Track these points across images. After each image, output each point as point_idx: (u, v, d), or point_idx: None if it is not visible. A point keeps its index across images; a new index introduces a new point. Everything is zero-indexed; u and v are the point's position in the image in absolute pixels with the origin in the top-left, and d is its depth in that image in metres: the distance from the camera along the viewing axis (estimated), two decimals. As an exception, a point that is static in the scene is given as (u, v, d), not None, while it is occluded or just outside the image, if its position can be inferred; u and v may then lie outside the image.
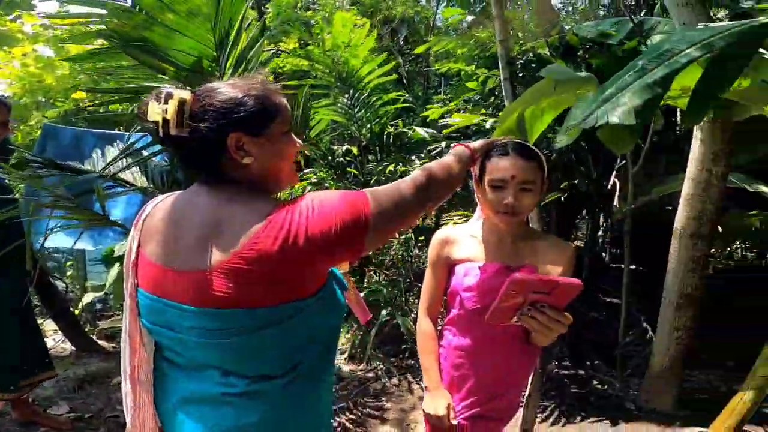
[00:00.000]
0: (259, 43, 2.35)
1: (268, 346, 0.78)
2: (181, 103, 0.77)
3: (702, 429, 2.40)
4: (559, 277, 0.94)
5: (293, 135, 0.88)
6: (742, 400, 2.25)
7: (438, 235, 1.33)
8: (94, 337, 3.36)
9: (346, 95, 3.34)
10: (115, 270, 3.00)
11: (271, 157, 0.83)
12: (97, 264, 3.44)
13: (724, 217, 3.07)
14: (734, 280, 4.35)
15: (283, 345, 0.79)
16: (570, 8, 7.10)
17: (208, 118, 0.77)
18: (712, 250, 4.15)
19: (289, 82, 3.74)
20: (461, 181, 1.06)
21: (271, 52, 2.58)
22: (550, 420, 2.59)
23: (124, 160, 2.20)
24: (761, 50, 2.27)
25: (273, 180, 0.85)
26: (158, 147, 2.09)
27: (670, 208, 2.50)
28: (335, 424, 2.47)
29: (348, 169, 3.44)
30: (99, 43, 2.00)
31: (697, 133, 2.37)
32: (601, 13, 4.71)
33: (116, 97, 2.35)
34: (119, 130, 3.59)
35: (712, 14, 2.95)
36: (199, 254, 0.75)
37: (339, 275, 0.91)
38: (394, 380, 2.96)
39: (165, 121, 0.76)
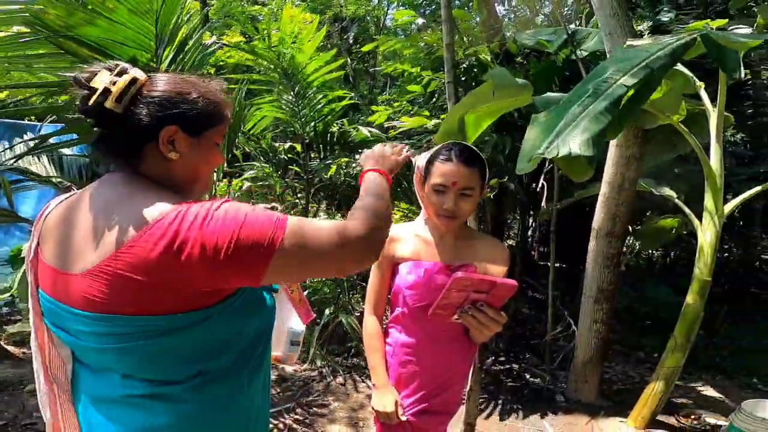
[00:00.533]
0: (198, 34, 2.25)
1: (163, 354, 0.73)
2: (133, 80, 0.74)
3: (622, 419, 2.58)
4: (497, 277, 0.98)
5: (220, 150, 0.86)
6: (653, 391, 2.46)
7: None
8: (2, 343, 3.07)
9: (291, 92, 3.28)
10: (21, 271, 2.75)
11: (197, 161, 0.80)
12: (3, 265, 3.13)
13: (646, 222, 3.35)
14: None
15: (181, 353, 0.74)
16: (512, 16, 7.43)
17: (151, 104, 0.74)
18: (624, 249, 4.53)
19: (231, 76, 3.60)
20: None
21: (211, 45, 2.46)
22: (486, 412, 2.69)
23: (35, 151, 2.01)
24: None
25: (189, 184, 0.82)
26: (73, 137, 1.93)
27: (588, 209, 2.67)
28: (281, 426, 2.41)
29: (290, 166, 3.38)
30: (15, 29, 1.83)
31: (612, 140, 2.56)
32: (540, 20, 4.97)
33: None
34: (29, 120, 3.29)
35: (634, 25, 3.21)
36: (84, 255, 0.71)
37: None
38: (339, 379, 2.95)
39: (106, 91, 0.72)
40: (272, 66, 3.20)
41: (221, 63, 4.14)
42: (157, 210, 0.69)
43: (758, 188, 2.34)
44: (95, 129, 0.77)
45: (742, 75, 1.78)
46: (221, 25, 5.32)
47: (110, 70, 0.74)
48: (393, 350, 1.33)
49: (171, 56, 2.08)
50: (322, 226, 0.75)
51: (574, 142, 1.17)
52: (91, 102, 0.72)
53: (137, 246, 0.67)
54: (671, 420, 2.57)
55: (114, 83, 0.72)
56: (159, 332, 0.70)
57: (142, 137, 0.75)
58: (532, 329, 3.90)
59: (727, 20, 2.22)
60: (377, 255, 0.80)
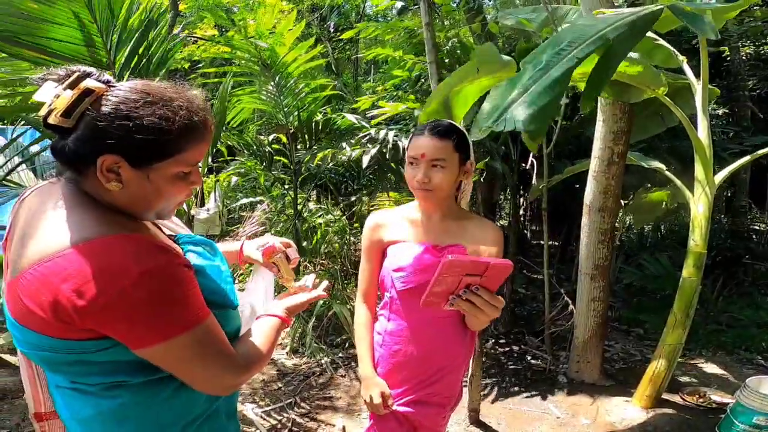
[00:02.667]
0: (159, 27, 2.14)
1: (72, 365, 0.71)
2: (85, 93, 0.66)
3: (627, 399, 2.57)
4: (490, 258, 0.92)
5: (194, 174, 0.76)
6: (656, 370, 2.45)
7: (370, 219, 1.32)
8: (-3, 353, 2.99)
9: (272, 83, 3.18)
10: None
11: (145, 193, 0.71)
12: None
13: (637, 196, 3.35)
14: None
15: (91, 369, 0.71)
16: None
17: (96, 123, 0.66)
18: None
19: (208, 70, 3.49)
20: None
21: (177, 37, 2.35)
22: (491, 397, 2.66)
23: (7, 156, 1.91)
24: (654, 36, 2.47)
25: (133, 212, 0.74)
26: (47, 141, 1.83)
27: (578, 186, 2.65)
28: (284, 420, 2.38)
29: (276, 157, 3.29)
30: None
31: (600, 115, 2.54)
32: (517, 2, 4.92)
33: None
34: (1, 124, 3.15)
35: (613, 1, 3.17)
36: (12, 260, 0.69)
37: (227, 291, 0.83)
38: (340, 371, 2.91)
39: (51, 106, 0.66)
40: (251, 58, 3.10)
41: (196, 57, 4.02)
42: (69, 237, 0.65)
43: (747, 158, 2.35)
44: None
45: (717, 34, 1.75)
46: (194, 19, 5.16)
47: (62, 79, 0.67)
48: (382, 338, 1.28)
49: (127, 52, 1.97)
50: (224, 348, 0.75)
51: (519, 118, 1.18)
52: (40, 113, 0.67)
53: (35, 274, 0.64)
54: (676, 398, 2.57)
55: (58, 96, 0.66)
56: (63, 352, 0.68)
57: (82, 158, 0.68)
58: (530, 309, 3.90)
59: None
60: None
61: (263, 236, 1.15)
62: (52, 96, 0.66)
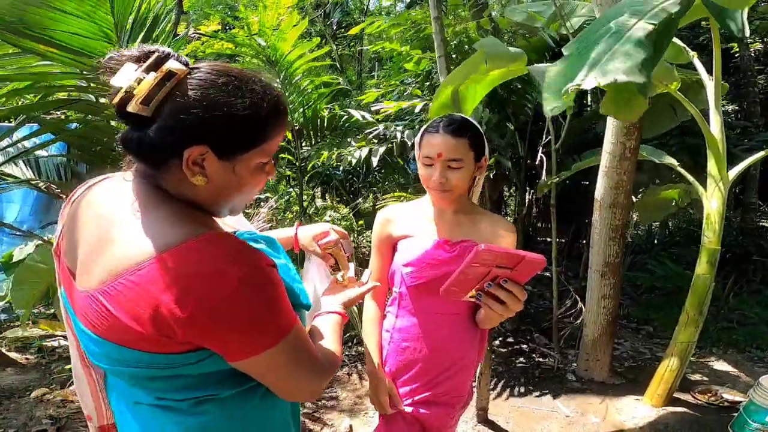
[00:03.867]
0: (164, 21, 2.13)
1: (158, 380, 0.66)
2: (168, 76, 0.59)
3: (637, 397, 2.54)
4: (525, 252, 0.87)
5: (269, 166, 0.70)
6: (668, 368, 2.42)
7: (380, 214, 1.30)
8: (3, 350, 2.99)
9: (277, 80, 3.17)
10: (11, 278, 2.67)
11: (230, 186, 0.66)
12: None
13: (645, 193, 3.31)
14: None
15: (178, 384, 0.67)
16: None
17: (181, 112, 0.59)
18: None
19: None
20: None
21: (185, 34, 2.34)
22: (499, 395, 2.64)
23: (10, 152, 1.90)
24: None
25: (213, 206, 0.69)
26: (50, 137, 1.82)
27: (587, 182, 2.62)
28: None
29: (282, 154, 3.28)
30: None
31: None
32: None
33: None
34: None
35: None
36: (86, 271, 0.64)
37: (298, 290, 0.79)
38: (346, 369, 2.89)
39: (130, 89, 0.58)
40: (256, 54, 3.08)
41: (200, 54, 4.00)
42: (162, 241, 0.59)
43: (762, 153, 2.31)
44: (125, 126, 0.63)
45: (747, 32, 1.70)
46: (198, 16, 5.15)
47: (139, 60, 0.60)
48: (390, 335, 1.25)
49: (137, 45, 1.95)
50: (313, 352, 0.71)
51: (618, 70, 1.01)
52: (115, 101, 0.59)
53: (127, 285, 0.59)
54: (687, 397, 2.54)
55: (139, 81, 0.58)
56: (152, 366, 0.63)
57: (165, 150, 0.61)
58: (538, 307, 3.87)
59: None
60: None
61: (319, 224, 1.09)
62: (134, 80, 0.58)
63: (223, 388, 0.68)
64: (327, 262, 1.04)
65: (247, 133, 0.63)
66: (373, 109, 3.27)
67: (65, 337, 3.07)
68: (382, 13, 6.70)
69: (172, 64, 0.59)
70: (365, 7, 7.73)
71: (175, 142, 0.60)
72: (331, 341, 0.80)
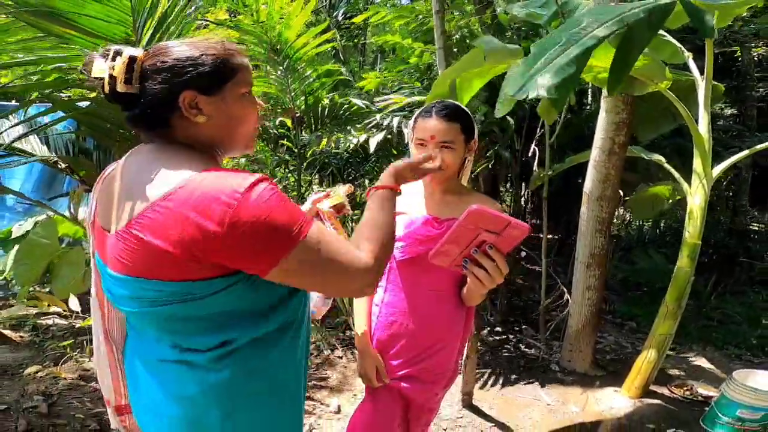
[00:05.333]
0: (179, 7, 2.18)
1: (186, 320, 0.73)
2: (132, 60, 0.73)
3: (616, 389, 2.63)
4: (511, 217, 0.91)
5: (254, 97, 0.83)
6: (646, 360, 2.49)
7: None
8: (-1, 327, 3.05)
9: (280, 67, 3.22)
10: (14, 252, 2.70)
11: (226, 118, 0.78)
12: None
13: (638, 193, 3.38)
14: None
15: (202, 322, 0.73)
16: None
17: (159, 76, 0.73)
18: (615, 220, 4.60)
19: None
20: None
21: (195, 20, 2.39)
22: (485, 383, 2.73)
23: (21, 130, 1.96)
24: (662, 32, 2.49)
25: (227, 143, 0.80)
26: (59, 115, 1.89)
27: (580, 180, 2.68)
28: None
29: (282, 141, 3.34)
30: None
31: (603, 105, 2.58)
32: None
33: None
34: (15, 100, 3.20)
35: None
36: (116, 216, 0.73)
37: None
38: (338, 352, 2.97)
39: (111, 77, 0.72)
40: (261, 42, 3.12)
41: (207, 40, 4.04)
42: (182, 175, 0.69)
43: (745, 152, 2.38)
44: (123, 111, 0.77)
45: (715, 35, 1.77)
46: (206, 3, 5.17)
47: (104, 56, 0.73)
48: (379, 310, 1.32)
49: (151, 31, 2.02)
50: (340, 241, 0.75)
51: (543, 85, 1.22)
52: (106, 89, 0.73)
53: (158, 210, 0.67)
54: (664, 390, 2.62)
55: (113, 68, 0.72)
56: (179, 298, 0.70)
57: (164, 109, 0.74)
58: (527, 300, 3.95)
59: None
60: (377, 285, 0.81)
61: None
62: (108, 67, 0.72)
63: (242, 330, 0.74)
64: (327, 221, 1.11)
65: (218, 68, 0.76)
66: (377, 102, 3.32)
67: (59, 315, 3.14)
68: (387, 4, 6.71)
69: (130, 51, 0.73)
70: (371, -1, 7.73)
71: (168, 96, 0.73)
72: (379, 216, 0.84)
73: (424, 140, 1.20)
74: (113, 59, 0.72)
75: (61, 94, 2.26)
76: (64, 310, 3.06)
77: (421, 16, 3.76)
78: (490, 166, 3.05)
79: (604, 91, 2.53)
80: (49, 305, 2.93)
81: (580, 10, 3.25)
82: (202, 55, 0.75)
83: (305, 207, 1.16)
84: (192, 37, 0.81)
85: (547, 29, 3.41)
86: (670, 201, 3.21)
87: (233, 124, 0.79)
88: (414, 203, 1.30)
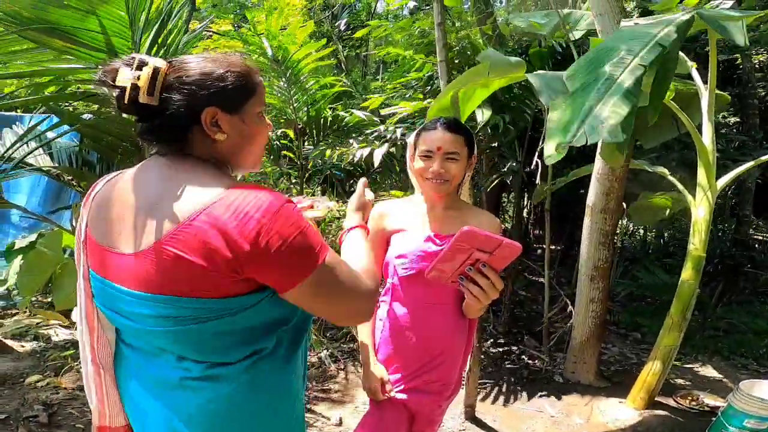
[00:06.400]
0: (175, 18, 2.21)
1: (220, 336, 0.73)
2: (156, 71, 0.72)
3: (621, 400, 2.60)
4: (503, 237, 0.95)
5: (265, 117, 0.84)
6: (651, 371, 2.47)
7: (375, 209, 1.37)
8: (0, 337, 3.06)
9: (282, 78, 3.25)
10: (17, 263, 2.72)
11: (241, 136, 0.78)
12: (-3, 260, 3.09)
13: (639, 201, 3.38)
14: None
15: (237, 335, 0.74)
16: (503, 1, 7.38)
17: (183, 89, 0.73)
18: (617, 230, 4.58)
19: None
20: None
21: (196, 33, 2.43)
22: (488, 394, 2.70)
23: (27, 142, 1.99)
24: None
25: (238, 161, 0.81)
26: (65, 128, 1.92)
27: (582, 191, 2.68)
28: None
29: (284, 152, 3.35)
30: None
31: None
32: (530, 4, 4.94)
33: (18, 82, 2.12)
34: (17, 112, 3.24)
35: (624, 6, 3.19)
36: (139, 234, 0.71)
37: None
38: (339, 364, 2.96)
39: (135, 87, 0.71)
40: (263, 53, 3.16)
41: (211, 53, 4.09)
42: (213, 192, 0.69)
43: (750, 163, 2.37)
44: (138, 122, 0.76)
45: (747, 41, 1.77)
46: (209, 14, 5.24)
47: (129, 65, 0.72)
48: (383, 324, 1.33)
49: (149, 43, 2.05)
50: (349, 266, 0.79)
51: (604, 129, 1.15)
52: (126, 100, 0.72)
53: (195, 226, 0.67)
54: (669, 401, 2.60)
55: (138, 78, 0.71)
56: (215, 315, 0.70)
57: (185, 122, 0.74)
58: (530, 311, 3.93)
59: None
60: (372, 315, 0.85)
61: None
62: (134, 77, 0.71)
63: (266, 341, 0.76)
64: None
65: (241, 87, 0.76)
66: (383, 113, 3.34)
67: (60, 325, 3.13)
68: (389, 17, 6.79)
69: (154, 61, 0.73)
70: (373, 10, 7.82)
71: (191, 111, 0.73)
72: (361, 258, 0.88)
73: (431, 151, 1.23)
74: (138, 68, 0.71)
75: (67, 107, 2.29)
76: (65, 322, 3.07)
77: (420, 29, 3.80)
78: (498, 180, 3.04)
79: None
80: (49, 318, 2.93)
81: (582, 22, 3.28)
82: (226, 72, 0.75)
83: None
84: (210, 54, 0.80)
85: (552, 41, 3.45)
86: (670, 211, 3.20)
87: (246, 143, 0.80)
88: (416, 220, 1.31)
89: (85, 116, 2.10)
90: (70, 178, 2.10)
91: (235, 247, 0.66)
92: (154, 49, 2.03)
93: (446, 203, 1.30)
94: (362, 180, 1.13)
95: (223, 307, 0.70)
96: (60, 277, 2.62)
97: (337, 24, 7.46)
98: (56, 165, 2.11)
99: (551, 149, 1.26)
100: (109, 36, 1.91)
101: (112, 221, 0.75)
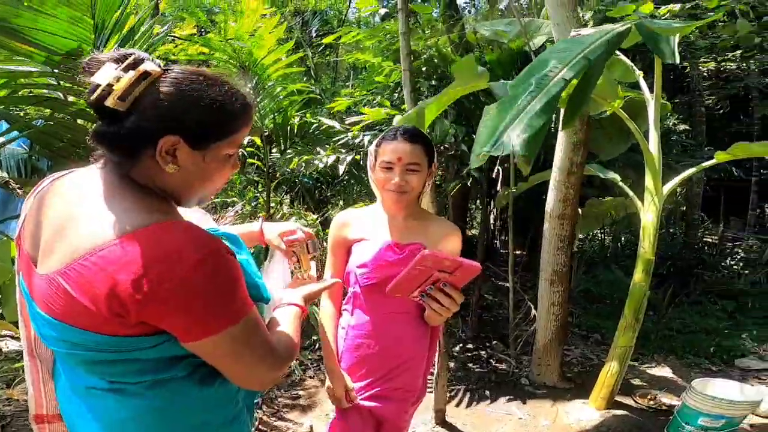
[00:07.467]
0: (143, 26, 2.17)
1: (115, 363, 0.69)
2: (144, 75, 0.65)
3: (584, 401, 2.68)
4: (463, 259, 0.98)
5: (236, 158, 0.77)
6: (609, 372, 2.56)
7: (336, 219, 1.38)
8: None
9: (249, 85, 3.20)
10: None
11: (194, 174, 0.71)
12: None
13: (587, 205, 3.52)
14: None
15: (132, 367, 0.70)
16: (472, 8, 7.58)
17: (155, 107, 0.65)
18: (580, 235, 4.76)
19: (185, 68, 3.47)
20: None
21: (160, 37, 2.36)
22: (457, 399, 2.73)
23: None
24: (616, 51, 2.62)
25: (182, 196, 0.74)
26: (14, 133, 1.83)
27: (545, 197, 2.77)
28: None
29: (250, 159, 3.31)
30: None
31: (561, 126, 2.65)
32: (498, 13, 5.09)
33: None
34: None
35: (583, 14, 3.33)
36: (46, 256, 0.67)
37: (258, 284, 0.83)
38: (309, 372, 2.93)
39: (108, 87, 0.64)
40: (229, 59, 3.11)
41: (172, 57, 4.00)
42: (121, 227, 0.63)
43: (693, 170, 2.50)
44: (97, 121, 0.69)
45: (677, 59, 1.87)
46: (174, 18, 5.12)
47: (118, 61, 0.65)
48: (346, 332, 1.33)
49: (114, 48, 2.00)
50: (268, 341, 0.73)
51: (515, 142, 1.24)
52: (93, 97, 0.65)
53: (86, 266, 0.62)
54: (629, 401, 2.69)
55: (118, 79, 0.64)
56: (110, 348, 0.66)
57: (140, 141, 0.66)
58: (497, 315, 4.01)
59: (652, 6, 2.35)
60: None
61: (287, 222, 1.15)
62: (113, 77, 0.64)
63: (177, 371, 0.71)
64: (290, 260, 1.07)
65: (218, 125, 0.69)
66: (347, 121, 3.34)
67: (11, 337, 2.98)
68: (361, 24, 6.84)
69: (147, 65, 0.66)
70: (344, 17, 7.85)
71: (151, 132, 0.66)
72: (289, 331, 0.82)
73: (392, 162, 1.23)
74: (125, 70, 0.64)
75: (17, 111, 2.19)
76: (16, 333, 2.92)
77: (390, 36, 3.84)
78: (461, 185, 3.10)
79: (562, 112, 2.62)
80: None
81: (543, 30, 3.40)
82: (213, 102, 0.68)
83: (271, 234, 1.09)
84: (211, 72, 0.71)
85: (511, 46, 3.55)
86: (612, 215, 3.35)
87: (198, 182, 0.73)
88: (377, 229, 1.32)
89: (37, 122, 2.01)
90: (18, 186, 2.00)
91: (123, 296, 0.60)
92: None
93: (407, 213, 1.31)
94: (336, 280, 1.12)
95: (116, 344, 0.65)
96: (9, 288, 2.48)
97: (307, 30, 7.44)
98: (5, 173, 2.01)
99: (475, 159, 1.35)
100: (71, 40, 1.85)
101: (33, 232, 0.71)
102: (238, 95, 0.72)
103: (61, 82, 1.96)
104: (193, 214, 0.91)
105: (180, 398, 0.72)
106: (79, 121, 2.04)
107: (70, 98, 2.04)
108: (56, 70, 1.90)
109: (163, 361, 0.69)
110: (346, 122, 3.33)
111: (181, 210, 0.76)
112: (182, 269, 0.61)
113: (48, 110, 2.05)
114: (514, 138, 1.23)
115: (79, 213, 0.66)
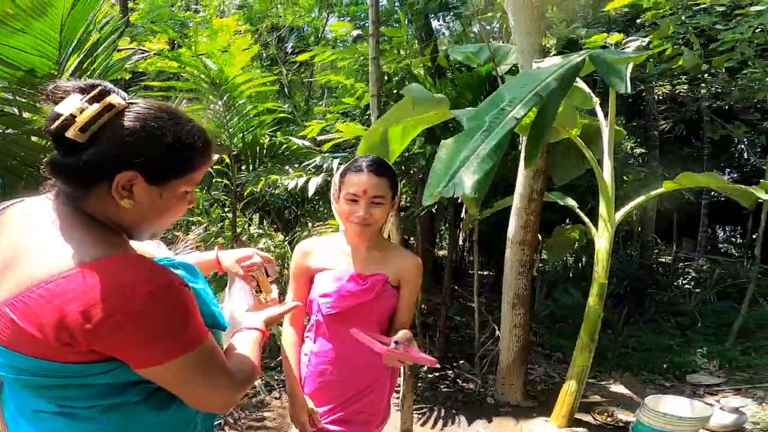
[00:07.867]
0: (108, 41, 2.15)
1: (64, 390, 0.68)
2: (107, 108, 0.65)
3: (546, 419, 2.75)
4: (420, 356, 1.12)
5: (193, 194, 0.78)
6: (568, 390, 2.64)
7: (298, 247, 1.39)
8: None
9: (220, 102, 3.19)
10: None
11: (154, 211, 0.72)
12: None
13: (554, 233, 3.64)
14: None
15: (83, 393, 0.69)
16: (446, 32, 7.80)
17: (116, 139, 0.65)
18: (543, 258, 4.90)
19: (153, 84, 3.43)
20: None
21: (129, 51, 2.34)
22: (425, 419, 2.76)
23: None
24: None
25: (134, 230, 0.74)
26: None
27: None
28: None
29: (217, 179, 3.27)
30: None
31: (523, 154, 2.75)
32: (472, 37, 5.25)
33: None
34: None
35: (548, 42, 3.48)
36: None
37: (214, 312, 0.83)
38: (274, 393, 2.88)
39: (71, 118, 0.63)
40: (200, 75, 3.09)
41: (142, 70, 3.94)
42: (71, 259, 0.63)
43: (642, 198, 2.64)
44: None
45: (628, 89, 1.97)
46: (145, 32, 5.04)
47: (83, 91, 0.65)
48: (309, 359, 1.34)
49: (76, 64, 1.97)
50: (224, 366, 0.74)
51: (466, 184, 1.29)
52: (53, 127, 0.64)
53: (33, 298, 0.62)
54: (588, 417, 2.78)
55: (82, 110, 0.64)
56: (59, 375, 0.66)
57: (97, 174, 0.66)
58: (464, 336, 4.07)
59: (622, 35, 2.48)
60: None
61: (243, 248, 1.15)
62: (76, 108, 0.64)
63: (130, 396, 0.70)
64: (249, 284, 1.08)
65: (178, 163, 0.70)
66: (319, 140, 3.35)
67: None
68: (337, 42, 6.92)
69: (113, 98, 0.66)
70: (320, 35, 7.92)
71: (109, 166, 0.66)
72: (248, 354, 0.83)
73: (357, 195, 1.24)
74: (90, 102, 0.64)
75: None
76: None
77: (362, 57, 3.90)
78: (433, 210, 3.15)
79: (523, 139, 2.72)
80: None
81: (511, 56, 3.52)
82: (173, 140, 0.68)
83: (228, 262, 1.10)
84: (173, 109, 0.72)
85: (481, 70, 3.67)
86: (577, 244, 3.47)
87: (153, 216, 0.73)
88: (339, 259, 1.34)
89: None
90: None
91: (72, 327, 0.61)
92: (77, 74, 1.96)
93: (370, 244, 1.33)
94: (297, 303, 1.14)
95: (66, 370, 0.65)
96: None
97: (283, 47, 7.46)
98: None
99: (428, 197, 1.40)
100: (33, 56, 1.82)
101: None
102: (200, 134, 0.73)
103: (17, 97, 1.92)
104: (148, 245, 0.91)
105: (135, 422, 0.71)
106: (34, 138, 1.99)
107: (26, 114, 1.99)
108: (15, 86, 1.86)
109: (116, 387, 0.69)
110: (318, 140, 3.35)
111: (135, 241, 0.76)
112: (133, 302, 0.61)
113: (1, 127, 1.99)
114: (466, 180, 1.28)
115: (30, 243, 0.66)
